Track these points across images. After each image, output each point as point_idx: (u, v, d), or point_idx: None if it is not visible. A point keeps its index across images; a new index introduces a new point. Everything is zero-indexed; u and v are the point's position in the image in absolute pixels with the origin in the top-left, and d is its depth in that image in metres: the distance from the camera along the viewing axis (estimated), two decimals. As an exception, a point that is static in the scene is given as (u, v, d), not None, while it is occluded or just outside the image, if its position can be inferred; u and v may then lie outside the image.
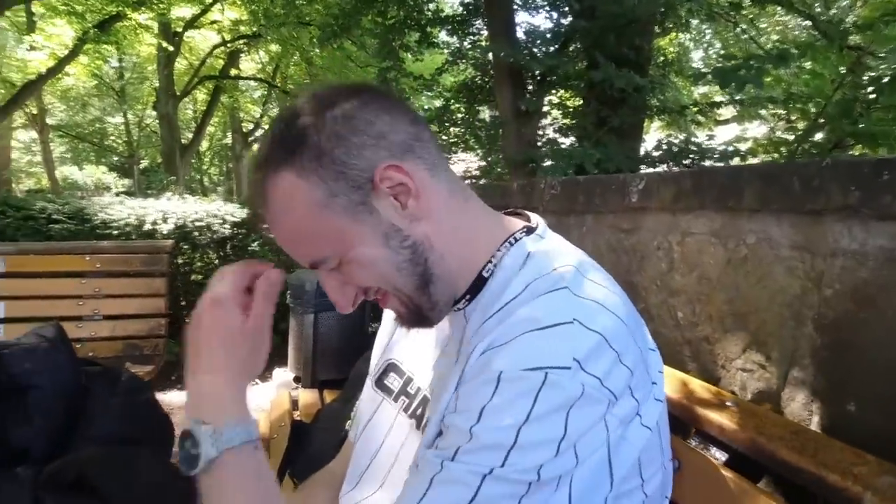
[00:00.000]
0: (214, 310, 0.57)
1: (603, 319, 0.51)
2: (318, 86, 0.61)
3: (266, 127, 18.14)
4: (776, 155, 2.82)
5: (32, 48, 8.97)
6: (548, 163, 3.74)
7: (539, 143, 4.63)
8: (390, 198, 0.56)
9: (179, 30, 10.89)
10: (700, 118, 4.83)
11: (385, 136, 0.56)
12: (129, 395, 1.26)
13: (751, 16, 6.02)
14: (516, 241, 0.60)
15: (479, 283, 0.59)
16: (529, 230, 0.62)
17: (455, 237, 0.59)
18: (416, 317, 0.61)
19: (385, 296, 0.60)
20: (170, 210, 3.48)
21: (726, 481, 0.84)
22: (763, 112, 5.17)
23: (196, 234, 3.50)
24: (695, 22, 5.68)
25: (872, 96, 2.69)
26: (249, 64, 15.19)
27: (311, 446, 1.52)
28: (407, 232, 0.57)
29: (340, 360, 2.80)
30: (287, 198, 0.55)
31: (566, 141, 4.81)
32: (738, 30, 6.07)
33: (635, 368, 0.52)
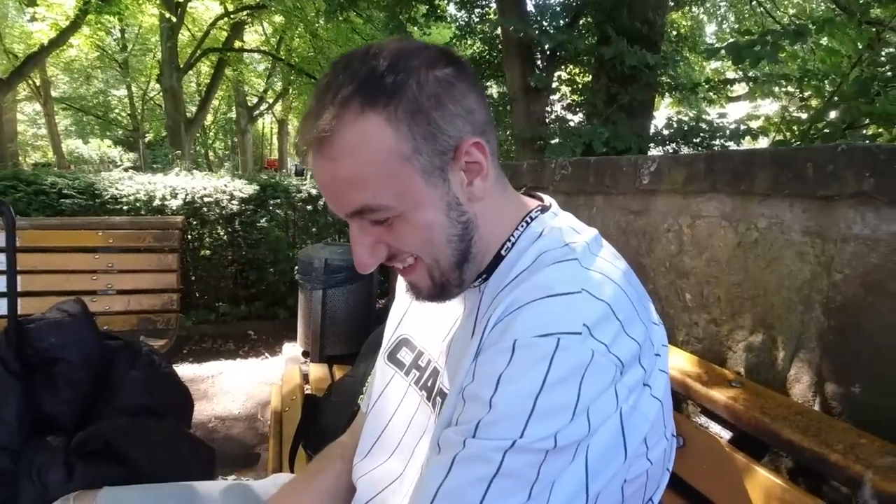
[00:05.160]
0: None
1: (609, 290, 0.53)
2: (409, 41, 0.59)
3: (270, 101, 17.97)
4: (788, 134, 2.77)
5: (34, 19, 8.85)
6: (556, 140, 3.71)
7: (548, 120, 4.58)
8: (462, 172, 0.57)
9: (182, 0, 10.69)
10: (712, 95, 4.74)
11: (473, 112, 0.57)
12: (150, 368, 1.30)
13: (768, -12, 5.84)
14: (532, 219, 0.62)
15: (496, 261, 0.61)
16: (544, 209, 0.64)
17: (493, 221, 0.61)
18: (439, 291, 0.60)
19: (414, 266, 0.59)
20: (178, 186, 3.49)
21: (730, 458, 0.86)
22: (776, 89, 5.07)
23: (205, 209, 3.52)
24: (710, -6, 5.52)
25: (890, 74, 2.63)
26: (253, 36, 14.95)
27: (323, 419, 1.56)
28: (465, 208, 0.58)
29: (348, 336, 2.86)
30: (363, 141, 0.52)
31: (575, 118, 4.74)
32: (754, 2, 5.91)
33: (643, 341, 0.53)
